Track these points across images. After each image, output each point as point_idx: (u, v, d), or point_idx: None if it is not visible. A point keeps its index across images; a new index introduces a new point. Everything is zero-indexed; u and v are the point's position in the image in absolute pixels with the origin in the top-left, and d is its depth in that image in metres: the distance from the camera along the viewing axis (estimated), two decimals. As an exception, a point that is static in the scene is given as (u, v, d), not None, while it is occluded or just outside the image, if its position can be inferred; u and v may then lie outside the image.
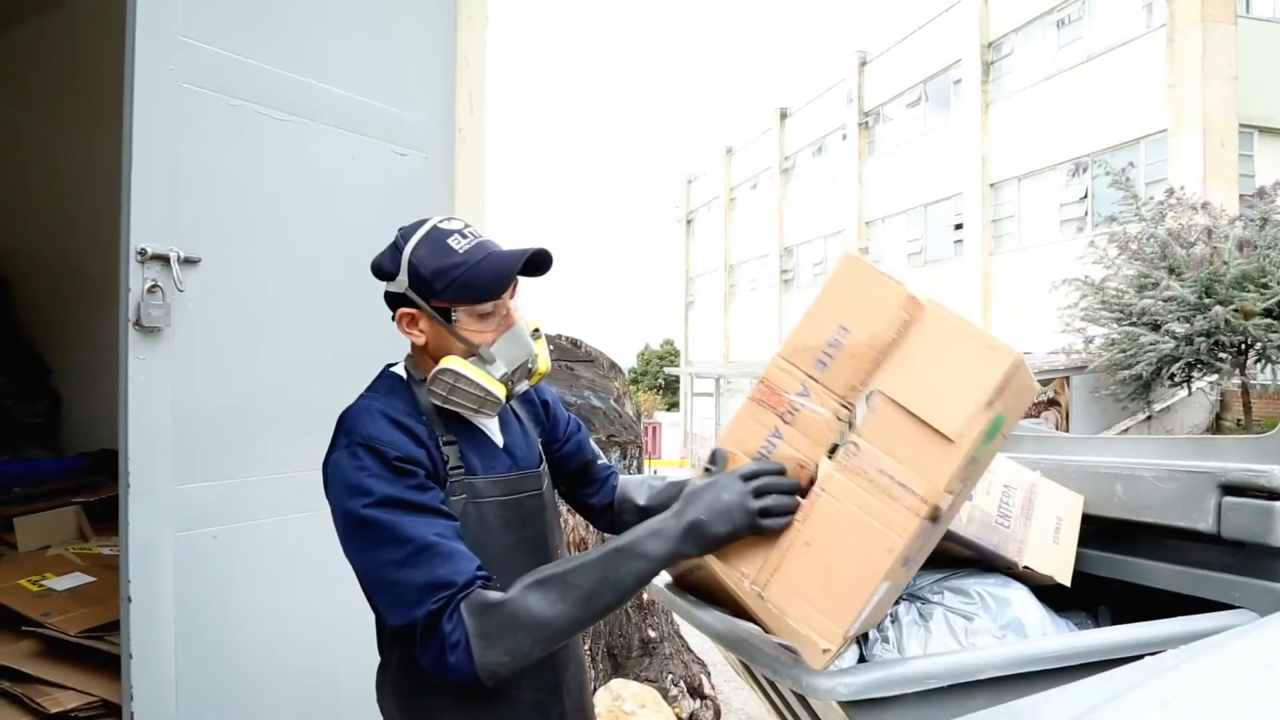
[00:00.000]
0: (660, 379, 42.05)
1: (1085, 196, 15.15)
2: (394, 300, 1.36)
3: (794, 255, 25.28)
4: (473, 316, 1.34)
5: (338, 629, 2.38)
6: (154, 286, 1.95)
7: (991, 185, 17.35)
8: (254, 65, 2.21)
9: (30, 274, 4.15)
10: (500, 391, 1.35)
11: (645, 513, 1.59)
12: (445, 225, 1.36)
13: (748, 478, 1.26)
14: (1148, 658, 1.03)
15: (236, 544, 2.15)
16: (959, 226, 18.17)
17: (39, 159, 4.01)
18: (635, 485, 1.66)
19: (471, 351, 1.34)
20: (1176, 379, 11.51)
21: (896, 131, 20.69)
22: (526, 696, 1.37)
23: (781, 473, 1.28)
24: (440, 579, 1.19)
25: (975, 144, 17.52)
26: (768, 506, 1.24)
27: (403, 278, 1.33)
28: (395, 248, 1.35)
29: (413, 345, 1.40)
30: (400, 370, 1.41)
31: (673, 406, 35.93)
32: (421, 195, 2.72)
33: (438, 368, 1.33)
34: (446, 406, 1.35)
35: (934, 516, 1.24)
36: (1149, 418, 13.01)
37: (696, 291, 32.98)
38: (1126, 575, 1.73)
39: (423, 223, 1.36)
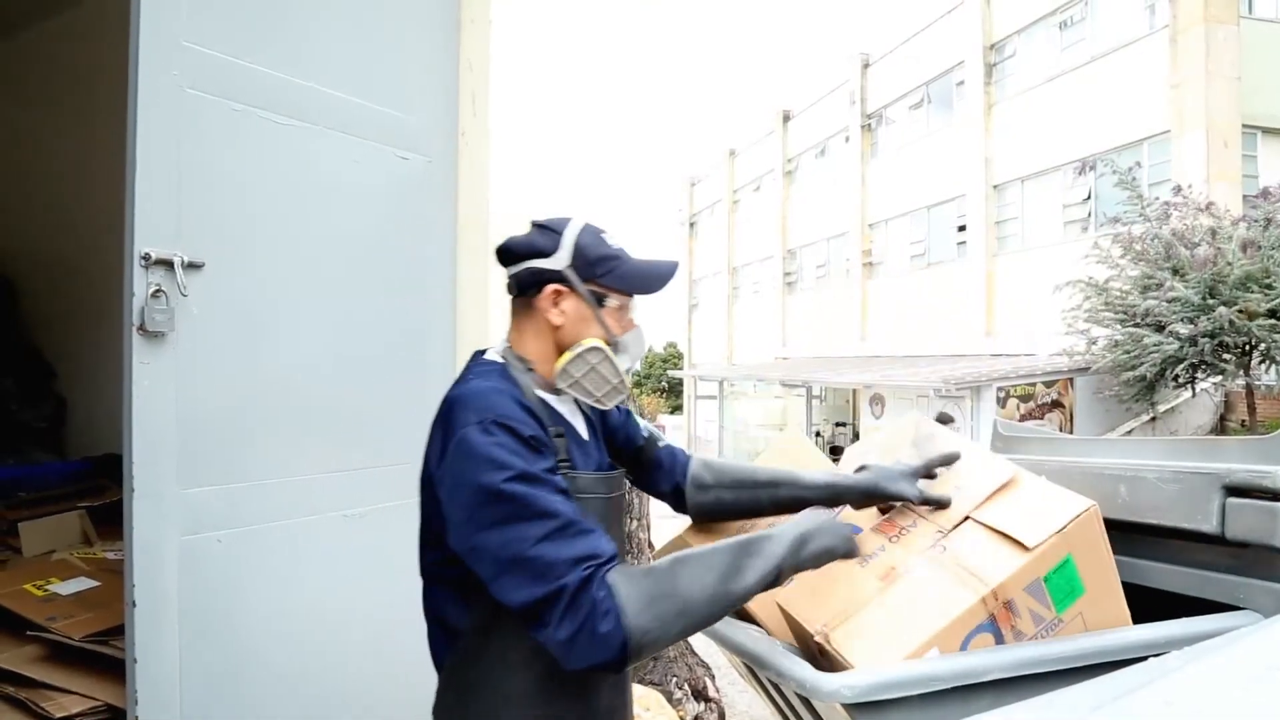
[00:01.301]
0: (664, 382, 42.03)
1: (1089, 198, 15.13)
2: (538, 277, 1.39)
3: (797, 258, 25.27)
4: (615, 308, 1.41)
5: (344, 632, 2.38)
6: (158, 291, 1.95)
7: (995, 187, 17.33)
8: (256, 69, 2.22)
9: (34, 276, 4.16)
10: (628, 383, 1.42)
11: (712, 489, 1.68)
12: (593, 223, 1.43)
13: None
14: (1151, 659, 1.03)
15: (241, 548, 2.15)
16: (962, 228, 18.16)
17: (42, 162, 4.03)
18: (703, 467, 1.71)
19: (609, 339, 1.39)
20: (1180, 380, 11.50)
21: (899, 133, 20.68)
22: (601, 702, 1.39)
23: None
24: (588, 551, 1.21)
25: (978, 145, 17.51)
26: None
27: (564, 255, 1.38)
28: (547, 229, 1.40)
29: (525, 329, 1.42)
30: (496, 357, 1.42)
31: (676, 409, 35.91)
32: (424, 198, 2.72)
33: (584, 346, 1.37)
34: (569, 390, 1.38)
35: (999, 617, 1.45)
36: (1153, 419, 13.00)
37: (700, 294, 32.98)
38: (1130, 576, 1.73)
39: (565, 216, 1.43)
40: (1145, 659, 1.09)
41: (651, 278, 1.43)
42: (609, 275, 1.39)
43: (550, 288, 1.38)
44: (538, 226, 1.42)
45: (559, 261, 1.38)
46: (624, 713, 1.45)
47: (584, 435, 1.46)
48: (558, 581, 1.17)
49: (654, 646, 1.21)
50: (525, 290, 1.41)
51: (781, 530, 1.35)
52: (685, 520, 1.84)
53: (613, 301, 1.41)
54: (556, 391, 1.41)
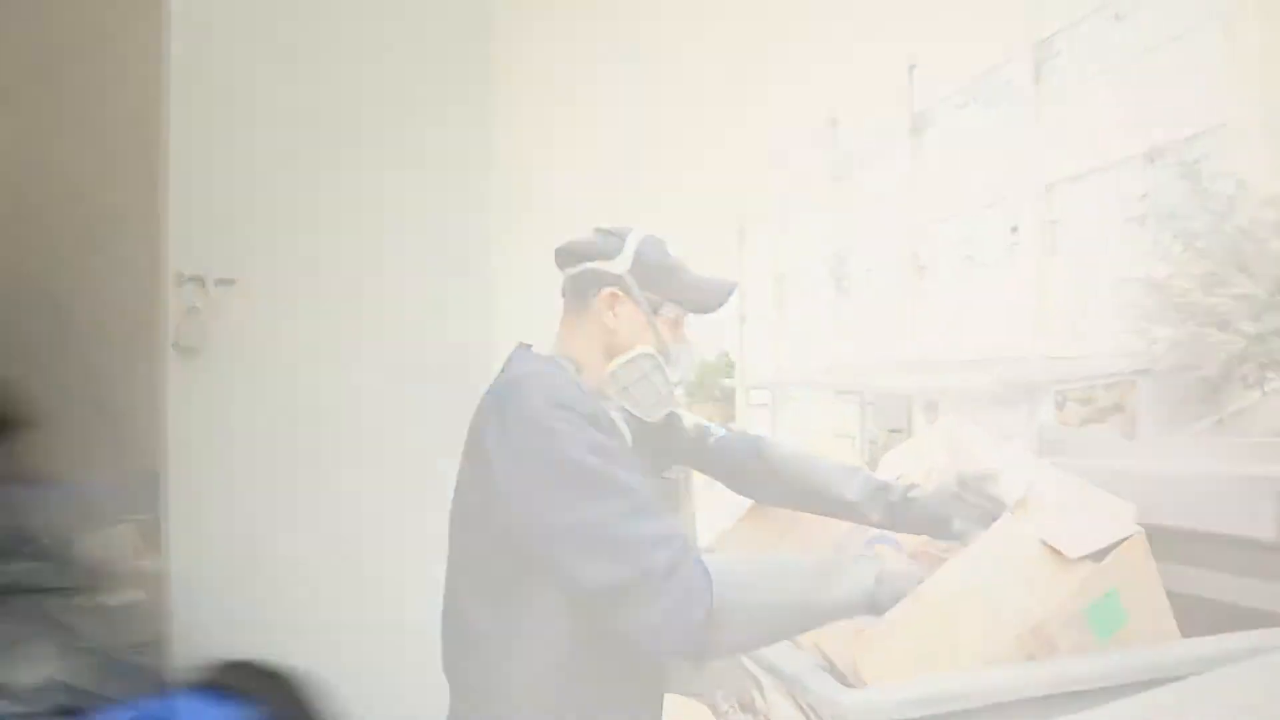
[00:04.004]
0: (716, 392, 41.92)
1: (1145, 195, 14.74)
2: (598, 279, 1.39)
3: (846, 262, 25.04)
4: (670, 319, 1.41)
5: (381, 648, 2.38)
6: (191, 308, 1.99)
7: (1046, 186, 16.99)
8: (289, 88, 2.24)
9: (71, 291, 4.24)
10: (676, 395, 1.42)
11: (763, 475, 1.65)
12: (655, 235, 1.44)
13: None
14: (1192, 678, 0.97)
15: (276, 564, 2.17)
16: (1014, 229, 17.82)
17: (73, 178, 4.11)
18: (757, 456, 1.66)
19: (662, 349, 1.39)
20: (1249, 380, 11.12)
21: (947, 134, 20.40)
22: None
23: None
24: (670, 531, 1.18)
25: (1028, 144, 17.19)
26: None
27: (625, 260, 1.38)
28: (611, 234, 1.41)
29: (576, 332, 1.41)
30: (543, 352, 1.41)
31: (729, 418, 35.81)
32: (460, 215, 2.72)
33: (637, 351, 1.36)
34: (616, 395, 1.37)
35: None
36: (1220, 421, 12.58)
37: (749, 302, 32.85)
38: (1181, 586, 1.65)
39: (628, 225, 1.43)
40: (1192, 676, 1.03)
41: (708, 293, 1.44)
42: (667, 285, 1.40)
43: (608, 290, 1.38)
44: (601, 231, 1.42)
45: (620, 266, 1.38)
46: None
47: (629, 441, 1.44)
48: (644, 562, 1.14)
49: (734, 639, 1.20)
50: (582, 292, 1.40)
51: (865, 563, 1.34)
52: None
53: (668, 312, 1.41)
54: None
